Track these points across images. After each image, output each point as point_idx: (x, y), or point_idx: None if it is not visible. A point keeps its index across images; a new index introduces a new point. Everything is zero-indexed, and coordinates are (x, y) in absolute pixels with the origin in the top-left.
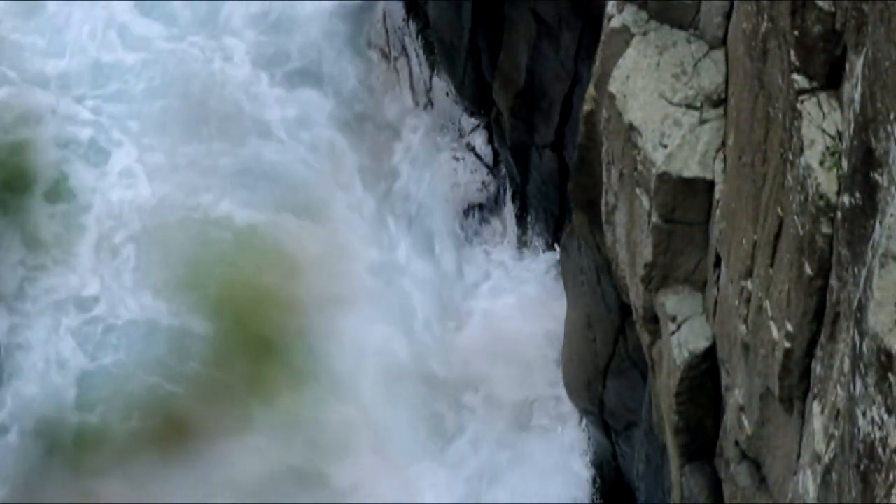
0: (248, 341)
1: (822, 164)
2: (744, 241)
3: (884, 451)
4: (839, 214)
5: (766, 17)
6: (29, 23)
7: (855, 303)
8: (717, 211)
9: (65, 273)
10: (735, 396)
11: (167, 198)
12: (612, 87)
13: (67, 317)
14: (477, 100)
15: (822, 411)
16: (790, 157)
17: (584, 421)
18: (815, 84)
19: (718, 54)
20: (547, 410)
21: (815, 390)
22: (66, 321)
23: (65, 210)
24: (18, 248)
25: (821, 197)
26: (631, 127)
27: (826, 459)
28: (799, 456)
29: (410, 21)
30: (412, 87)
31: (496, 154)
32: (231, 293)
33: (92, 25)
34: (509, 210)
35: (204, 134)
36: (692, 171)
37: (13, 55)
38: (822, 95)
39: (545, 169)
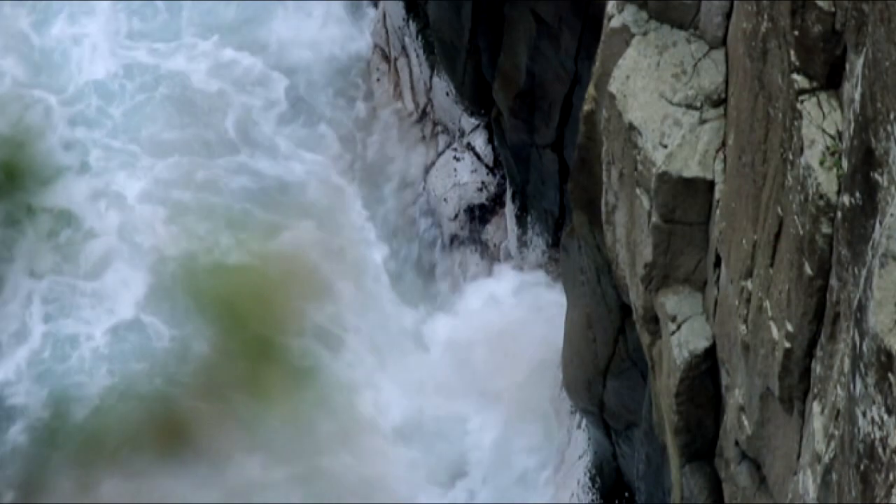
0: (248, 344)
1: (822, 164)
2: (744, 241)
3: (884, 451)
4: (839, 214)
5: (766, 17)
6: (17, 45)
7: (855, 303)
8: (717, 211)
9: (68, 280)
10: (735, 396)
11: (166, 210)
12: (612, 87)
13: (70, 323)
14: (477, 100)
15: (822, 411)
16: (790, 157)
17: (584, 421)
18: (815, 84)
19: (718, 54)
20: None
21: (815, 390)
22: (68, 327)
23: (65, 223)
24: (21, 259)
25: (821, 197)
26: (631, 127)
27: (826, 459)
28: (799, 456)
29: (410, 21)
30: (412, 88)
31: (496, 154)
32: (230, 299)
33: (83, 46)
34: (509, 210)
35: (200, 152)
36: (692, 171)
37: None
38: (822, 95)
39: (545, 169)
